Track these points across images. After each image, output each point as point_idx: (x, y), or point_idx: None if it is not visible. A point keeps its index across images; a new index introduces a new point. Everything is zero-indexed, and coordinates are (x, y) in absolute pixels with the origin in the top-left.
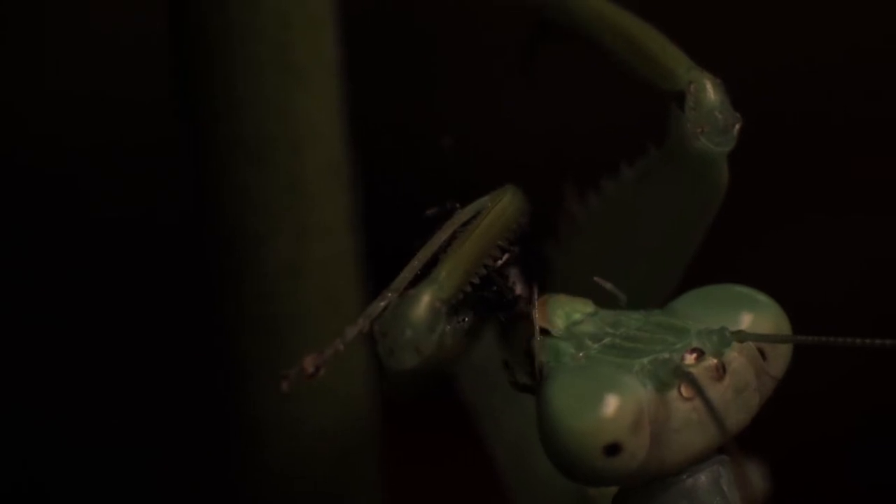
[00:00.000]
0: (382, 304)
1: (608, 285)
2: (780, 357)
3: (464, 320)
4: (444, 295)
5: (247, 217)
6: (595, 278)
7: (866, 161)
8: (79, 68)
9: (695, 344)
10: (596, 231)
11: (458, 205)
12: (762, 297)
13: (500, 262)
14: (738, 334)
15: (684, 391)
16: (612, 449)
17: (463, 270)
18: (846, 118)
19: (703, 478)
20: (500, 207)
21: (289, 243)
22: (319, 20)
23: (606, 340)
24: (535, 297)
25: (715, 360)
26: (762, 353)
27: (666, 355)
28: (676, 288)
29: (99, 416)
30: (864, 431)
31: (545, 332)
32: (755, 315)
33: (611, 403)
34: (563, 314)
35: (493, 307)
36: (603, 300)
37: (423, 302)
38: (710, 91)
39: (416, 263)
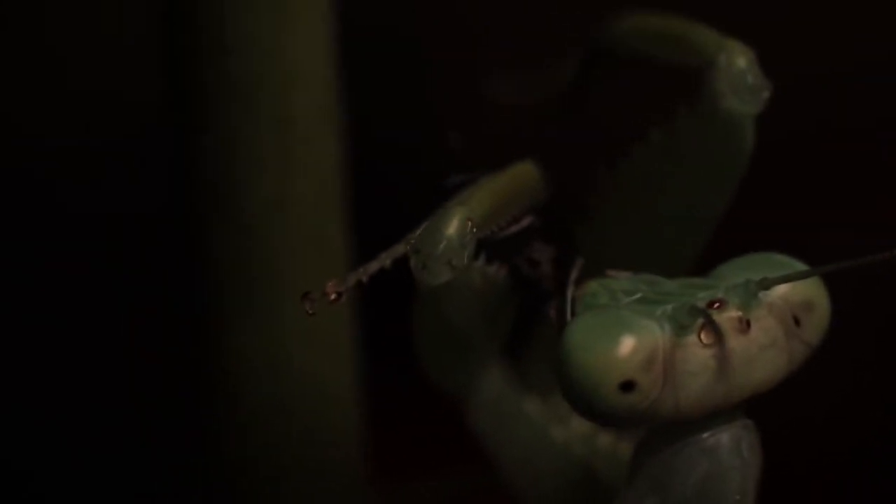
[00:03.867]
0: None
1: (623, 275)
2: (815, 324)
3: (492, 262)
4: (473, 214)
5: (234, 157)
6: (608, 271)
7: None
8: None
9: (720, 295)
10: (624, 198)
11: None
12: (799, 265)
13: (522, 224)
14: (763, 282)
15: (704, 338)
16: (626, 386)
17: (490, 201)
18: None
19: (724, 438)
20: (520, 170)
21: (273, 182)
22: None
23: (638, 296)
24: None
25: (739, 313)
26: (796, 320)
27: (688, 301)
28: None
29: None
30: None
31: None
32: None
33: (625, 341)
34: (598, 282)
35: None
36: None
37: (455, 216)
38: (741, 54)
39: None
